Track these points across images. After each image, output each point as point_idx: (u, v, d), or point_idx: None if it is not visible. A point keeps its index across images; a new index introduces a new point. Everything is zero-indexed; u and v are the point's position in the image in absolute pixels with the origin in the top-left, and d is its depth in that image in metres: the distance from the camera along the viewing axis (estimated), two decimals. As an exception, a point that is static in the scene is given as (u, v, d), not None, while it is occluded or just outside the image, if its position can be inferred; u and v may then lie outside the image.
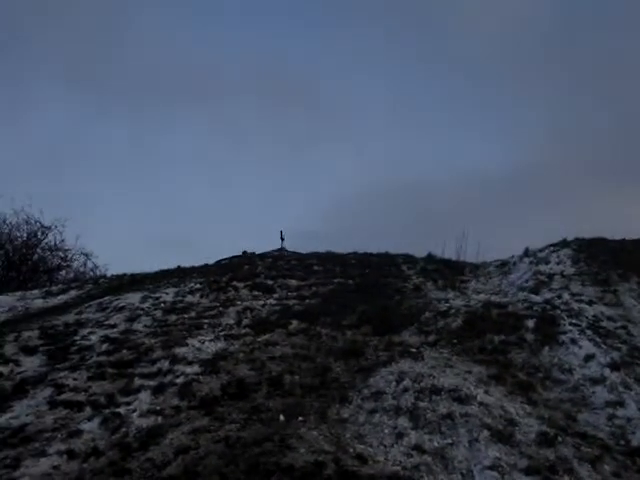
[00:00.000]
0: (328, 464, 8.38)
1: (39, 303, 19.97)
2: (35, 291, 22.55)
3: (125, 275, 22.05)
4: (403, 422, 9.57)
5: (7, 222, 35.94)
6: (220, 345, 12.82)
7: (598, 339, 12.65)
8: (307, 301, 15.52)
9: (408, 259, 19.70)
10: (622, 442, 9.83)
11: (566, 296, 14.94)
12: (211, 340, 13.02)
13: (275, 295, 16.01)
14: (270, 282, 16.86)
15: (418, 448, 9.02)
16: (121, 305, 15.81)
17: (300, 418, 9.67)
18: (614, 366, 11.61)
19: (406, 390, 10.35)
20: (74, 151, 78.33)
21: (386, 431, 9.37)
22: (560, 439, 9.40)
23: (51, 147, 75.22)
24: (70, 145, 77.44)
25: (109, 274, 25.97)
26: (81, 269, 37.17)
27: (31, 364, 13.01)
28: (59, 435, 10.03)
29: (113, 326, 14.42)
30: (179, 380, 11.33)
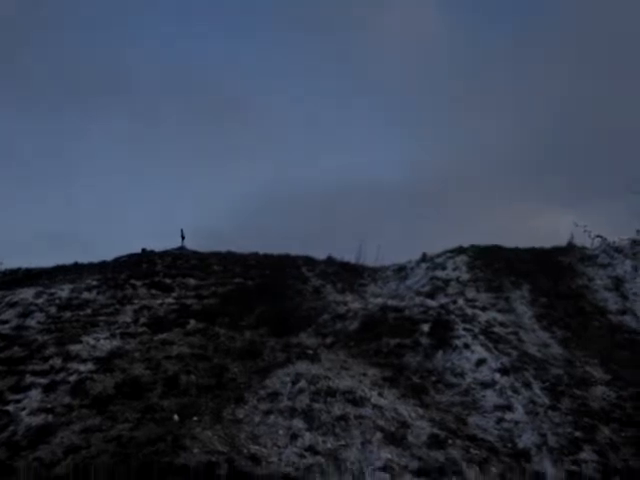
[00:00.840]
0: (221, 464, 8.38)
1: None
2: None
3: (20, 270, 21.47)
4: (298, 423, 9.63)
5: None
6: (116, 343, 12.64)
7: (490, 344, 12.97)
8: (206, 301, 15.45)
9: (308, 261, 19.80)
10: (509, 445, 10.10)
11: (461, 301, 15.31)
12: (106, 338, 12.83)
13: (173, 294, 15.88)
14: (169, 281, 16.71)
15: (312, 449, 9.09)
16: (14, 300, 15.40)
17: (195, 418, 9.63)
18: (504, 371, 11.92)
19: (302, 391, 10.41)
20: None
21: (280, 432, 9.41)
22: (450, 441, 9.62)
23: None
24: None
25: (2, 268, 25.29)
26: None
27: None
28: None
29: (5, 322, 14.06)
30: (72, 378, 11.13)
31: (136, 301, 15.14)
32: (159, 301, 15.22)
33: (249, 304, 15.05)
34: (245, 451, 8.86)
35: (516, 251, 19.70)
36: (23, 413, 10.06)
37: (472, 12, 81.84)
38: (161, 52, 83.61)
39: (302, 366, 11.33)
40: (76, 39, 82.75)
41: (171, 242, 22.46)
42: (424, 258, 19.18)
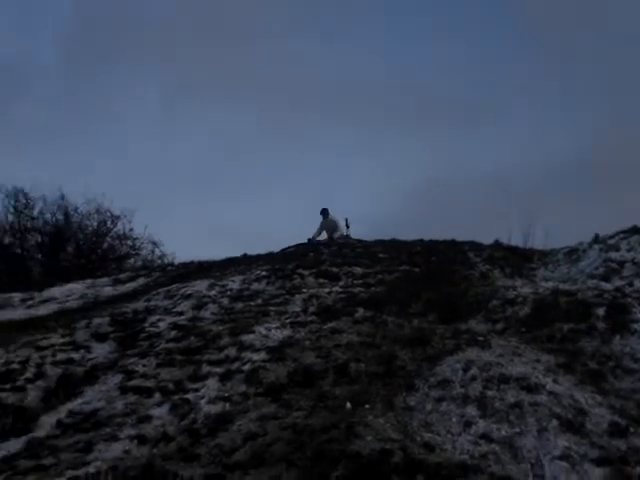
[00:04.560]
0: (395, 452, 8.35)
1: (109, 291, 20.38)
2: (105, 279, 23.00)
3: (192, 263, 22.33)
4: (471, 411, 9.47)
5: (78, 211, 36.69)
6: (286, 332, 12.86)
7: (672, 327, 12.33)
8: (373, 289, 15.48)
9: (474, 246, 19.49)
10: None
11: (637, 284, 14.60)
12: (277, 327, 13.08)
13: (341, 283, 16.00)
14: (335, 270, 16.85)
15: (486, 437, 8.92)
16: (188, 293, 16.01)
17: (366, 406, 9.66)
18: (689, 355, 11.31)
19: (474, 379, 10.24)
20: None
21: (454, 419, 9.29)
22: (632, 430, 9.20)
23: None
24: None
25: (176, 262, 26.34)
26: (149, 257, 37.86)
27: (102, 350, 13.29)
28: (130, 420, 10.22)
29: (181, 313, 14.63)
30: (246, 367, 11.41)
31: (305, 290, 15.37)
32: (327, 290, 15.37)
33: (416, 291, 14.95)
34: (418, 439, 8.81)
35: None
36: (202, 401, 10.41)
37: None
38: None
39: (473, 353, 11.15)
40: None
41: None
42: (596, 239, 18.43)
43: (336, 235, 24.16)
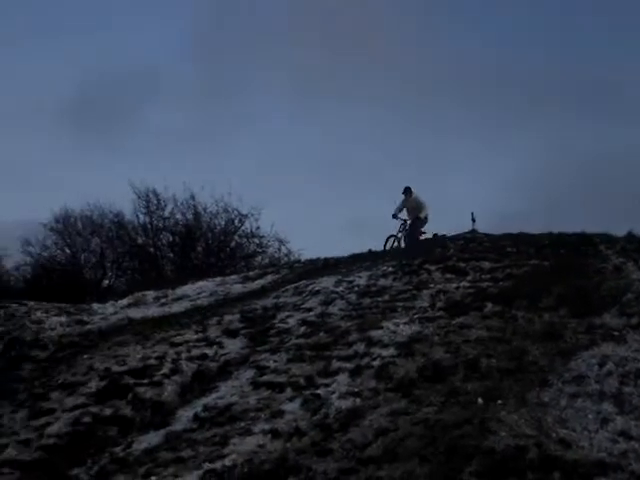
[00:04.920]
0: (530, 448, 8.23)
1: (238, 288, 20.75)
2: (234, 276, 23.46)
3: (318, 260, 22.50)
4: (607, 407, 9.24)
5: (207, 211, 37.62)
6: (415, 328, 12.83)
7: None
8: (501, 283, 15.23)
9: (606, 239, 18.87)
10: None
11: None
12: (405, 323, 13.07)
13: (468, 277, 15.81)
14: (463, 265, 16.67)
15: (624, 434, 8.68)
16: (316, 289, 16.18)
17: (499, 401, 9.55)
18: None
19: (610, 374, 9.98)
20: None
21: (590, 416, 9.07)
22: None
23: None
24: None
25: (303, 259, 26.62)
26: (276, 255, 38.38)
27: (233, 346, 13.60)
28: (263, 415, 10.42)
29: (309, 309, 14.80)
30: (375, 363, 11.46)
31: (432, 286, 15.27)
32: (454, 285, 15.23)
33: (546, 285, 14.62)
34: (554, 435, 8.64)
35: None
36: (333, 397, 10.51)
37: None
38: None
39: (608, 348, 10.86)
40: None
41: (460, 226, 22.50)
42: None
43: (422, 216, 24.25)
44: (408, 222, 24.53)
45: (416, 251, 19.54)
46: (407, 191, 24.71)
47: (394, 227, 24.41)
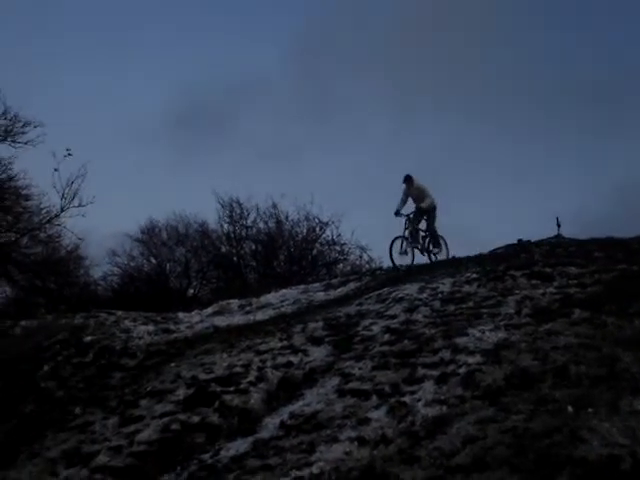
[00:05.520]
0: (624, 458, 8.02)
1: (321, 295, 20.90)
2: (316, 284, 23.63)
3: (401, 267, 22.46)
4: None
5: (289, 219, 38.00)
6: (501, 335, 12.65)
7: None
8: (589, 289, 14.91)
9: (697, 242, 18.38)
10: None
11: None
12: (491, 330, 12.89)
13: (555, 283, 15.53)
14: (549, 270, 16.39)
15: None
16: (400, 296, 16.14)
17: (589, 409, 9.32)
18: None
19: None
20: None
21: (686, 425, 8.81)
22: None
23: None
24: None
25: (385, 266, 26.61)
26: (357, 262, 38.53)
27: (318, 354, 13.64)
28: (349, 422, 10.41)
29: (393, 317, 14.77)
30: (461, 370, 11.33)
31: (517, 292, 15.05)
32: (540, 291, 14.98)
33: (636, 290, 14.26)
34: (648, 444, 8.41)
35: None
36: (419, 404, 10.44)
37: None
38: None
39: None
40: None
41: (545, 231, 22.17)
42: None
43: (425, 205, 22.68)
44: (411, 216, 22.93)
45: (500, 257, 19.29)
46: (408, 180, 22.89)
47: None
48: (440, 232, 23.71)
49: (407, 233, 22.71)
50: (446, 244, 23.65)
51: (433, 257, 23.25)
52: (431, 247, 23.29)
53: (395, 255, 22.22)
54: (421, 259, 22.90)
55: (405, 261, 22.46)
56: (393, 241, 22.39)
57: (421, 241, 23.16)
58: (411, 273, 20.48)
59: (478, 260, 19.39)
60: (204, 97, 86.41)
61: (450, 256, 22.95)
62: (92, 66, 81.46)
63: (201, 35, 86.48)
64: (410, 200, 23.06)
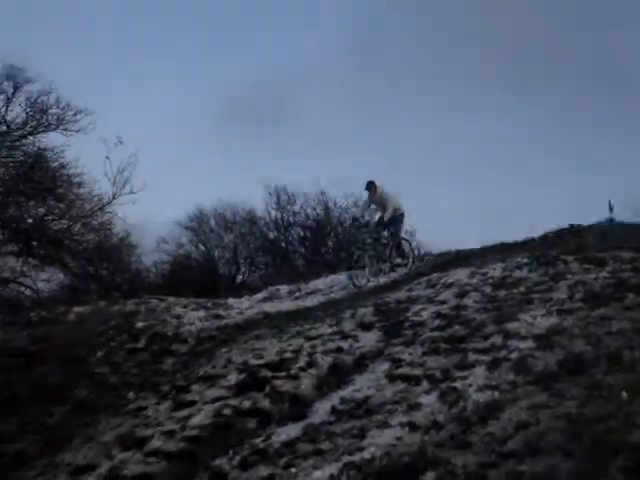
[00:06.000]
0: (680, 444, 7.91)
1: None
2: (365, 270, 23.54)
3: (450, 252, 22.38)
4: None
5: (337, 205, 38.04)
6: (553, 320, 12.50)
7: None
8: (643, 273, 14.69)
9: None
10: None
11: None
12: (543, 315, 12.74)
13: (607, 268, 15.29)
14: (601, 255, 16.16)
15: None
16: (449, 281, 16.06)
17: (644, 395, 9.20)
18: None
19: None
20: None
21: None
22: None
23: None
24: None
25: (433, 251, 26.54)
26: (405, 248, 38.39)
27: (368, 339, 13.64)
28: (399, 408, 10.40)
29: (443, 302, 14.69)
30: (513, 355, 11.23)
31: (569, 277, 14.85)
32: (593, 276, 14.76)
33: (693, 275, 14.03)
34: None
35: None
36: (470, 390, 10.38)
37: None
38: None
39: None
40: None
41: (596, 216, 21.86)
42: None
43: (386, 216, 20.85)
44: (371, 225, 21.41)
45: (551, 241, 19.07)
46: (370, 186, 21.29)
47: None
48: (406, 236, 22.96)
49: (368, 246, 21.29)
50: (412, 252, 22.32)
51: (397, 269, 21.50)
52: (394, 258, 21.59)
53: (354, 269, 21.02)
54: (472, 244, 22.74)
55: (365, 274, 20.94)
56: (351, 253, 21.65)
57: (384, 252, 21.49)
58: (460, 258, 20.36)
59: (528, 245, 19.21)
60: (254, 86, 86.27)
61: (414, 267, 21.49)
62: (145, 54, 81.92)
63: (256, 25, 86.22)
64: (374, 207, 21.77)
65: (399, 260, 21.45)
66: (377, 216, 21.34)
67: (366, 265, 20.79)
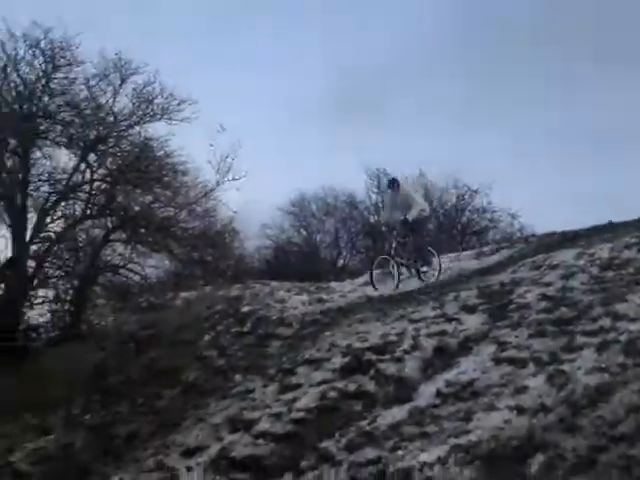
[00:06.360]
0: None
1: (473, 264, 20.70)
2: (468, 252, 23.43)
3: (555, 233, 21.97)
4: None
5: (437, 187, 37.88)
6: (663, 301, 12.17)
7: None
8: None
9: None
10: None
11: None
12: (654, 296, 12.42)
13: None
14: None
15: None
16: (555, 263, 15.75)
17: None
18: None
19: None
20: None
21: None
22: None
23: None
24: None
25: (538, 233, 26.11)
26: (507, 230, 37.98)
27: (472, 322, 13.53)
28: (506, 391, 10.32)
29: (548, 284, 14.41)
30: (623, 337, 10.97)
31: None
32: None
33: None
34: None
35: None
36: (579, 372, 10.20)
37: None
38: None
39: None
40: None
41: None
42: None
43: (411, 215, 19.22)
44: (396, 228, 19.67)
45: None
46: (393, 184, 19.95)
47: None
48: None
49: (392, 249, 19.54)
50: (440, 262, 20.32)
51: (423, 277, 19.76)
52: (419, 265, 19.84)
53: (376, 277, 19.33)
54: (578, 225, 22.23)
55: (389, 283, 19.37)
56: (375, 261, 20.04)
57: (408, 258, 19.75)
58: (566, 239, 19.96)
59: (636, 225, 18.67)
60: (358, 76, 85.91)
61: (440, 274, 19.81)
62: (252, 43, 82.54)
63: (358, 18, 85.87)
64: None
65: (425, 268, 19.84)
66: (402, 216, 19.49)
67: (391, 270, 19.34)
